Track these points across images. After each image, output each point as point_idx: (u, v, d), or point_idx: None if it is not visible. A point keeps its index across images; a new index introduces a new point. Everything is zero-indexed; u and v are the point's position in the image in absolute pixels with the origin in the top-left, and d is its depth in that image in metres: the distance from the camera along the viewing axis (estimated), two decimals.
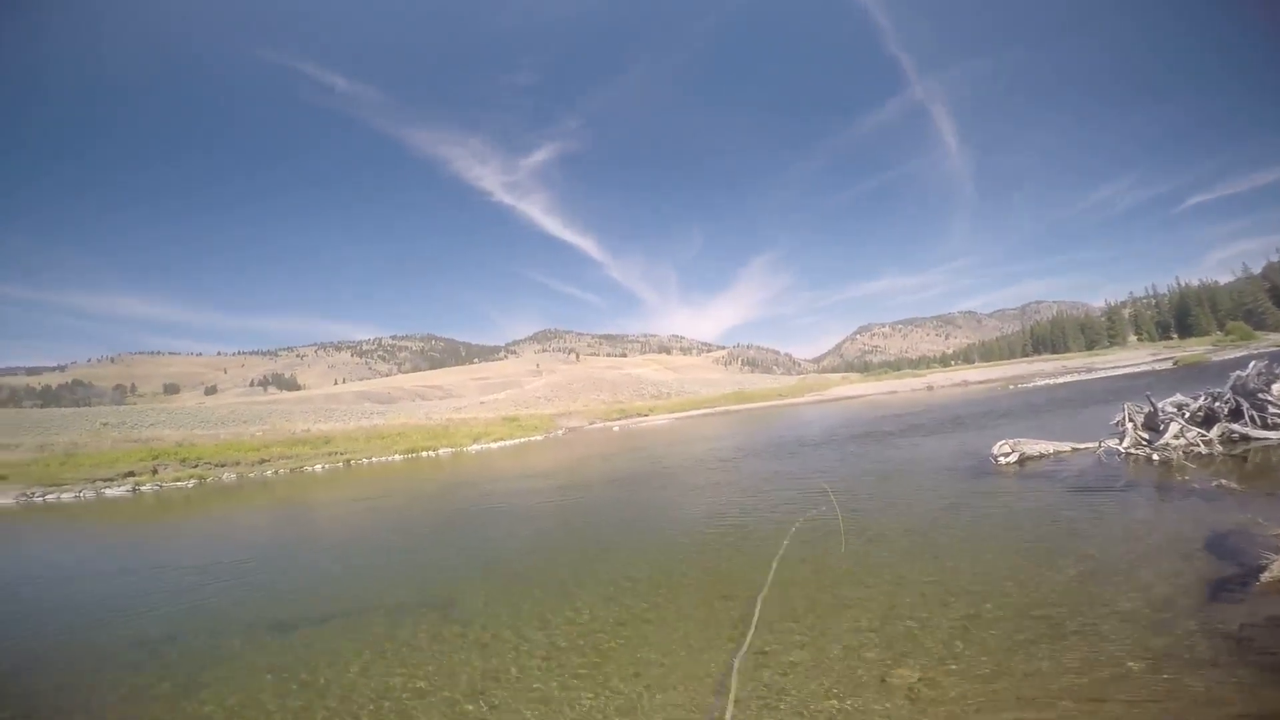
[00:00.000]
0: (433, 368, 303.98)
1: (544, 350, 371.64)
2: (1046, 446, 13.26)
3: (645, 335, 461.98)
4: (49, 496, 24.10)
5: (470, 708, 4.90)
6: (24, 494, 23.99)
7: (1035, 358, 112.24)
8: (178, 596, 9.26)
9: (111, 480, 26.24)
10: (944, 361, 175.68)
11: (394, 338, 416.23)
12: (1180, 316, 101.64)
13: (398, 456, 35.11)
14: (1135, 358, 64.04)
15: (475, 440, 40.98)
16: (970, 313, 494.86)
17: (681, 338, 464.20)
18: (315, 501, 20.24)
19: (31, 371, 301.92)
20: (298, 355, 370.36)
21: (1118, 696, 4.02)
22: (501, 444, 40.61)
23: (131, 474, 27.13)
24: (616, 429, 50.84)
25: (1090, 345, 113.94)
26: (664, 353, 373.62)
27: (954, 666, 4.64)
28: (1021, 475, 11.60)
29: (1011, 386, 46.46)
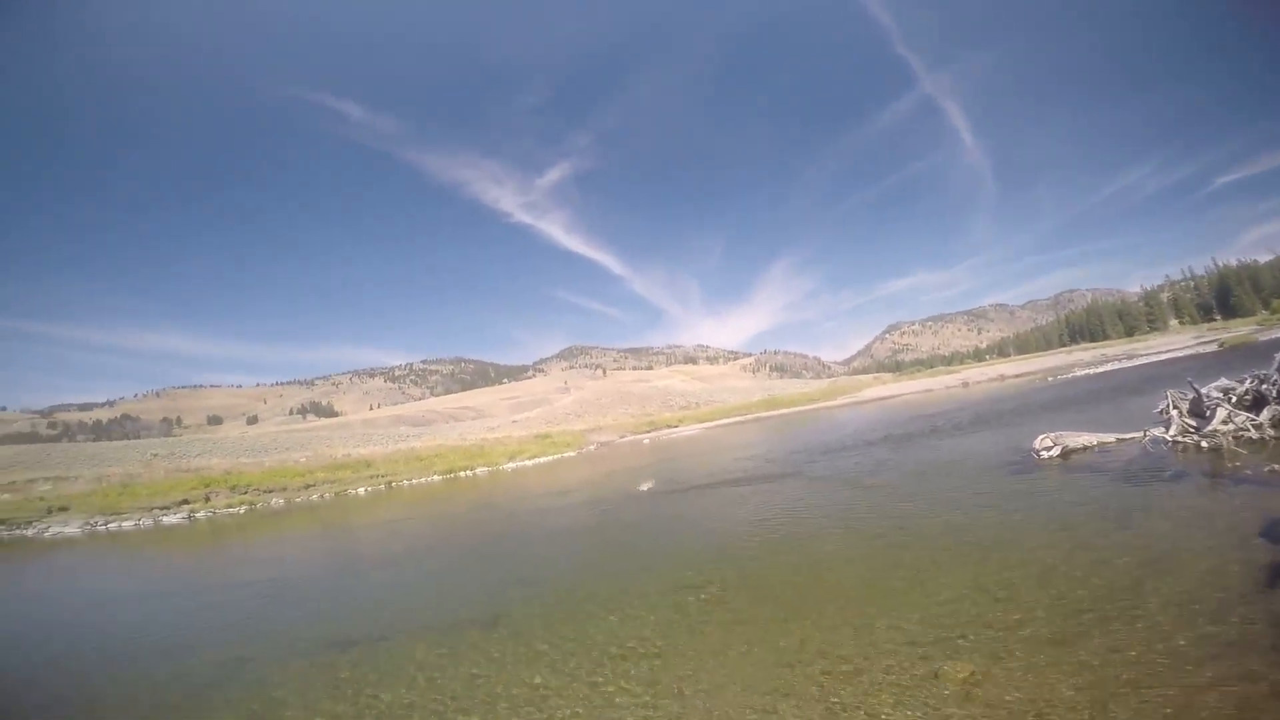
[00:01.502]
0: (464, 389, 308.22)
1: (571, 367, 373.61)
2: (1089, 438, 13.03)
3: (670, 347, 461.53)
4: (111, 525, 25.15)
5: (527, 714, 5.09)
6: (88, 523, 25.13)
7: (1073, 347, 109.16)
8: (246, 618, 9.66)
9: (168, 508, 27.28)
10: (978, 356, 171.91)
11: (424, 362, 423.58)
12: (1222, 297, 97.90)
13: (437, 477, 35.73)
14: (1178, 342, 61.93)
15: (510, 459, 41.47)
16: (1002, 305, 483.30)
17: (707, 347, 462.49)
18: (361, 523, 20.76)
19: (82, 407, 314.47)
20: (333, 383, 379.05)
21: (1178, 684, 4.03)
22: (536, 461, 41.02)
23: (186, 502, 28.15)
24: (647, 441, 50.92)
25: (1129, 331, 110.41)
26: (690, 363, 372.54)
27: (1006, 660, 4.68)
28: (1065, 468, 11.44)
29: (1050, 378, 45.33)
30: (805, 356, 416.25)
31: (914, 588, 6.51)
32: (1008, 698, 4.20)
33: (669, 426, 65.16)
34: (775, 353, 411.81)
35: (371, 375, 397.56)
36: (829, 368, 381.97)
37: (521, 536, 14.15)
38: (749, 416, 65.88)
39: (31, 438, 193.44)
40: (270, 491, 30.89)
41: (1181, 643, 4.49)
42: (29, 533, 24.35)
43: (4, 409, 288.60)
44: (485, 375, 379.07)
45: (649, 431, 61.86)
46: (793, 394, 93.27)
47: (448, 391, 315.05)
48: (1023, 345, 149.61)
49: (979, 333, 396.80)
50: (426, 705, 5.52)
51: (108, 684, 7.16)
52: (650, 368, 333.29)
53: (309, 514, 25.10)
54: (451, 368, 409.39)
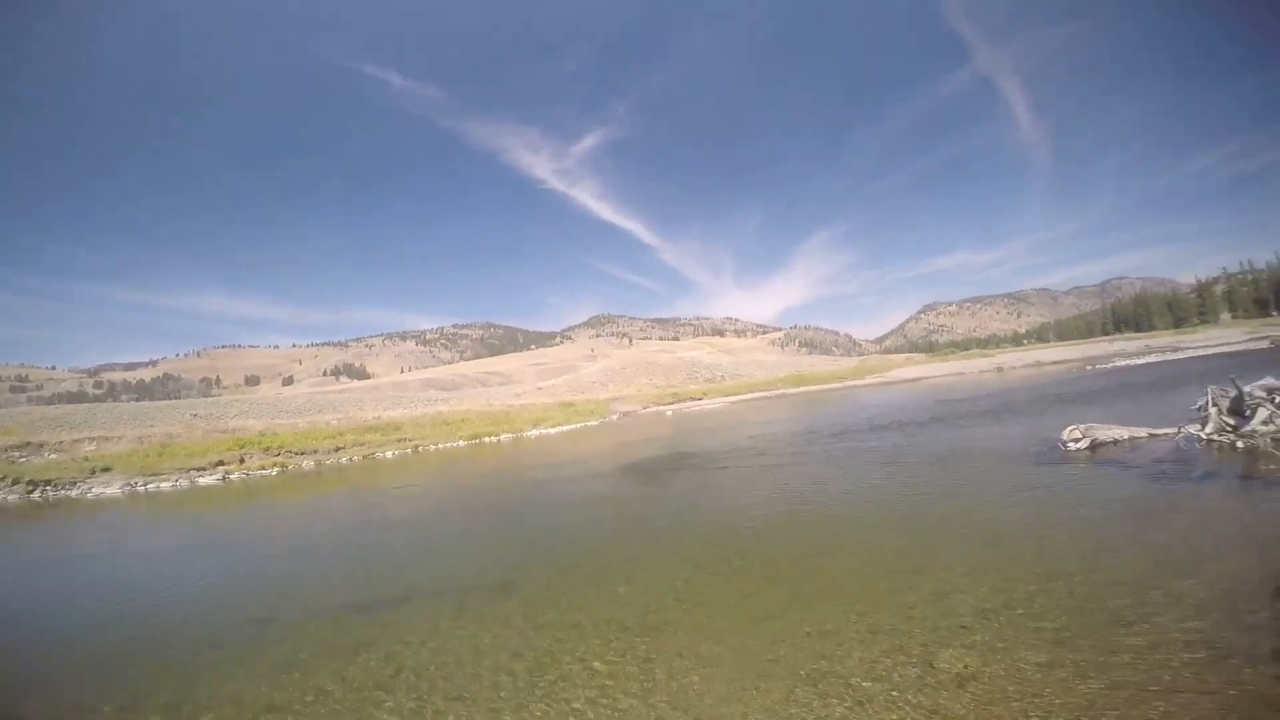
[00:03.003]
0: (493, 354, 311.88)
1: (598, 335, 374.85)
2: (1121, 432, 12.70)
3: (698, 318, 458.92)
4: (150, 485, 26.13)
5: (532, 679, 5.27)
6: (128, 483, 26.17)
7: (1116, 336, 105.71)
8: (273, 579, 10.07)
9: (204, 469, 28.24)
10: (1016, 341, 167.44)
11: (455, 326, 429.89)
12: None
13: (462, 442, 36.49)
14: (1228, 336, 59.43)
15: (534, 425, 42.11)
16: (1045, 290, 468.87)
17: (735, 320, 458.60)
18: (387, 487, 21.37)
19: (127, 367, 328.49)
20: (366, 345, 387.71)
21: (1173, 688, 4.00)
22: (559, 429, 41.58)
23: (221, 463, 29.15)
24: (669, 413, 51.11)
25: (1178, 324, 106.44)
26: (717, 335, 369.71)
27: (1006, 656, 4.67)
28: (1093, 462, 11.20)
29: (1089, 367, 44.07)
30: (836, 333, 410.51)
31: (919, 577, 6.50)
32: (1003, 694, 4.21)
33: (692, 399, 65.14)
34: (805, 328, 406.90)
35: (403, 338, 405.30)
36: (860, 345, 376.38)
37: (539, 504, 14.44)
38: (774, 393, 65.49)
39: (79, 397, 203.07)
40: (302, 454, 31.89)
41: (1184, 647, 4.43)
42: (74, 493, 25.38)
43: (54, 368, 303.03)
44: (514, 340, 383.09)
45: (672, 403, 62.01)
46: (820, 371, 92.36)
47: (477, 356, 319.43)
48: (1064, 332, 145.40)
49: (1019, 316, 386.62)
50: (435, 670, 5.70)
51: (141, 642, 7.49)
52: (677, 338, 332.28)
53: (338, 476, 25.93)
54: (481, 332, 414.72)
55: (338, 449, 33.14)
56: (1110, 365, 43.40)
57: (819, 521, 9.52)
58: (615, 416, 51.52)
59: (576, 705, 4.78)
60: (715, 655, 5.29)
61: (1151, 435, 12.47)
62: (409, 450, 34.15)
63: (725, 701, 4.58)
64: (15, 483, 25.89)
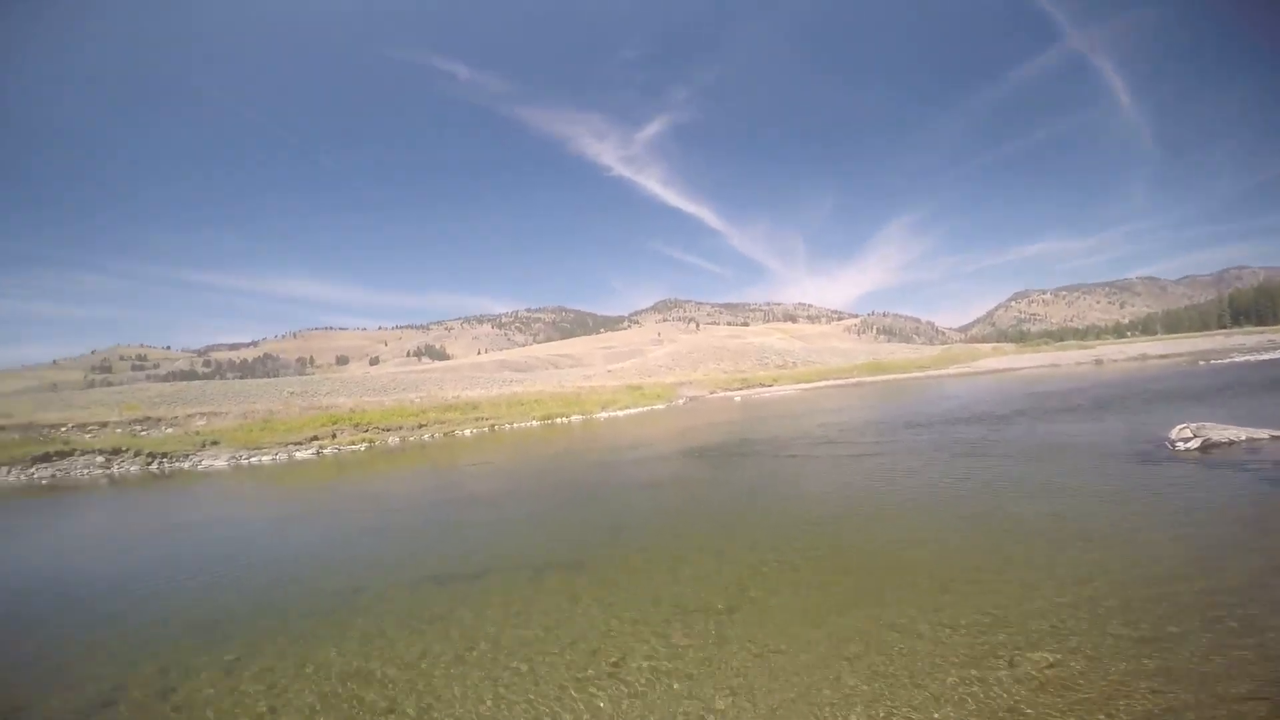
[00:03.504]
0: (564, 338, 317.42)
1: (665, 320, 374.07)
2: (1238, 432, 11.68)
3: (769, 304, 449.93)
4: (252, 459, 28.35)
5: (598, 658, 5.47)
6: (233, 456, 28.55)
7: (1234, 330, 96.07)
8: (362, 551, 10.65)
9: (300, 444, 30.41)
10: (1117, 332, 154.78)
11: (529, 310, 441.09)
12: None
13: (535, 422, 37.57)
14: None
15: (603, 408, 42.78)
16: (1152, 279, 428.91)
17: (809, 305, 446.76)
18: (466, 465, 22.34)
19: (232, 347, 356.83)
20: (446, 328, 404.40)
21: (1272, 698, 3.72)
22: (627, 412, 42.06)
23: (315, 438, 31.25)
24: (738, 399, 50.60)
25: None
26: (789, 321, 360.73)
27: (1090, 654, 4.49)
28: (1204, 463, 10.38)
29: (1202, 363, 40.37)
30: (917, 320, 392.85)
31: (1003, 574, 6.28)
32: (1089, 698, 4.04)
33: (762, 385, 64.14)
34: (884, 315, 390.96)
35: (480, 321, 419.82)
36: (943, 334, 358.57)
37: (609, 485, 14.75)
38: (850, 380, 63.53)
39: (190, 375, 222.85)
40: (388, 430, 33.71)
41: None
42: (186, 465, 27.77)
43: (168, 348, 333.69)
44: (584, 324, 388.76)
45: (741, 389, 61.33)
46: (900, 359, 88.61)
47: (549, 339, 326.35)
48: (1173, 323, 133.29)
49: (1121, 306, 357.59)
50: (509, 645, 5.93)
51: (240, 608, 7.95)
52: (746, 324, 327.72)
53: (420, 453, 27.30)
54: (553, 316, 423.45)
55: (420, 426, 34.85)
56: (1227, 360, 39.66)
57: (894, 514, 9.29)
58: (682, 401, 51.54)
59: (641, 687, 4.88)
60: (784, 645, 5.29)
61: (1273, 437, 11.39)
62: (486, 429, 35.48)
63: (795, 693, 4.60)
64: (137, 454, 28.61)
